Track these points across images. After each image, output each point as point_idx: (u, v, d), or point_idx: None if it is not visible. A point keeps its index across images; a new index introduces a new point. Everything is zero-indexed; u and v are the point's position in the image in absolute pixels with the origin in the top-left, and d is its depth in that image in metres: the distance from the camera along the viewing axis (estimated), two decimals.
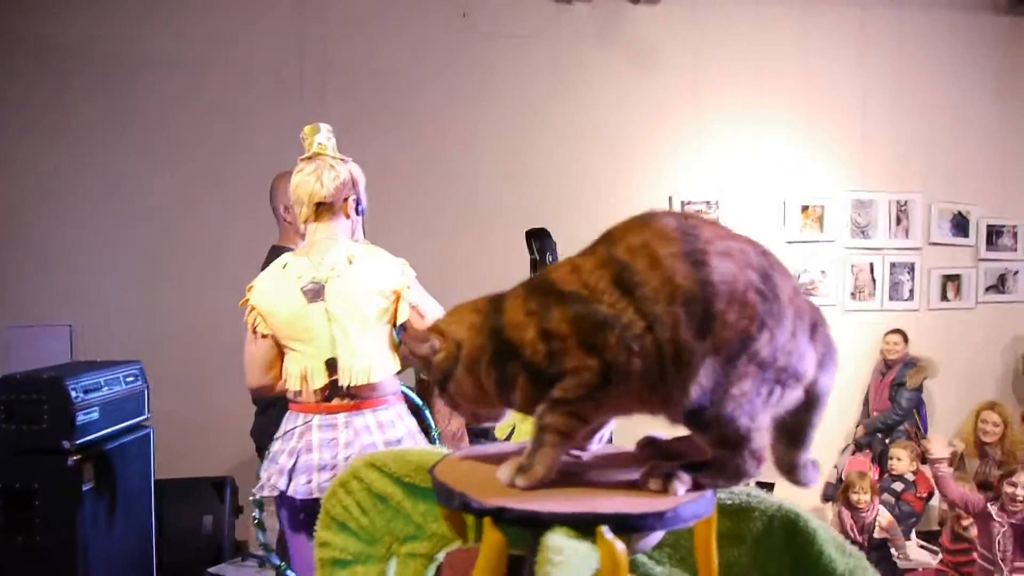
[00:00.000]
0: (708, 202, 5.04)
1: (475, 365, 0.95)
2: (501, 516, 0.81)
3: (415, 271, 2.22)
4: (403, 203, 4.60)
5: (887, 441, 4.72)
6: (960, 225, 5.36)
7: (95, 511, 2.83)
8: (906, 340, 4.94)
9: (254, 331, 2.12)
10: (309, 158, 2.14)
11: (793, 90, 5.12)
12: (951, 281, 5.35)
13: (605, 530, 0.77)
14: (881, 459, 4.61)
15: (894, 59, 5.23)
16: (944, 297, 5.33)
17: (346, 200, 2.15)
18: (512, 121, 4.77)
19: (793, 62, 5.12)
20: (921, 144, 5.28)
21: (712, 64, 5.01)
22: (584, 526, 0.77)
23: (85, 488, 2.77)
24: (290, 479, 2.03)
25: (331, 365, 2.04)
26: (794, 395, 0.86)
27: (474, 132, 4.76)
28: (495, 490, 0.86)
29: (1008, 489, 3.46)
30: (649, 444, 1.01)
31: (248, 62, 4.51)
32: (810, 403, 0.89)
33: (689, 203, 5.01)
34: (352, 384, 2.03)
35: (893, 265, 5.27)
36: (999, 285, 5.40)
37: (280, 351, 2.13)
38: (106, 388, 2.96)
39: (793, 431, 0.92)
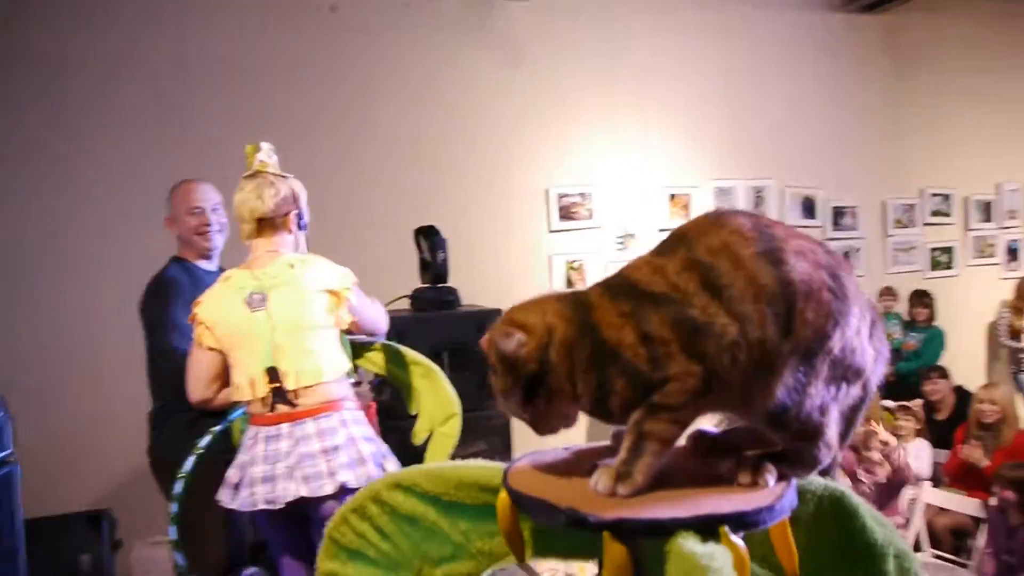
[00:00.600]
0: (583, 193, 5.14)
1: (570, 353, 0.89)
2: (621, 528, 0.78)
3: None
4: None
5: None
6: (809, 208, 5.76)
7: None
8: None
9: (200, 344, 2.15)
10: (251, 176, 2.22)
11: (659, 83, 5.31)
12: None
13: (727, 530, 0.76)
14: None
15: (749, 54, 5.55)
16: None
17: (287, 215, 2.22)
18: (385, 117, 4.67)
19: (658, 56, 5.31)
20: (773, 133, 5.63)
21: (582, 58, 5.11)
22: (707, 528, 0.76)
23: None
24: (237, 492, 2.03)
25: (272, 373, 2.06)
26: (856, 390, 0.88)
27: (345, 128, 4.61)
28: (599, 502, 0.83)
29: (866, 452, 3.77)
30: (701, 438, 0.99)
31: (101, 54, 4.14)
32: (863, 397, 0.90)
33: (565, 195, 5.09)
34: (300, 386, 2.05)
35: None
36: None
37: (224, 364, 2.15)
38: None
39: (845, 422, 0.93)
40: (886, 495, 3.78)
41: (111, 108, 4.15)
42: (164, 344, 2.49)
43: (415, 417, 2.42)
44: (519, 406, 0.91)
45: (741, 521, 0.77)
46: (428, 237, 3.78)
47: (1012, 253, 6.44)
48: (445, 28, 4.83)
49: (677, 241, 0.92)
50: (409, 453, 2.39)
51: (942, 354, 5.48)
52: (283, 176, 2.24)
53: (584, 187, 5.15)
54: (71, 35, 4.09)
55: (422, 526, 0.98)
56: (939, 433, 4.51)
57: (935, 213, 6.16)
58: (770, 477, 0.86)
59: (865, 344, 0.87)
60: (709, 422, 0.95)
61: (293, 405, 2.04)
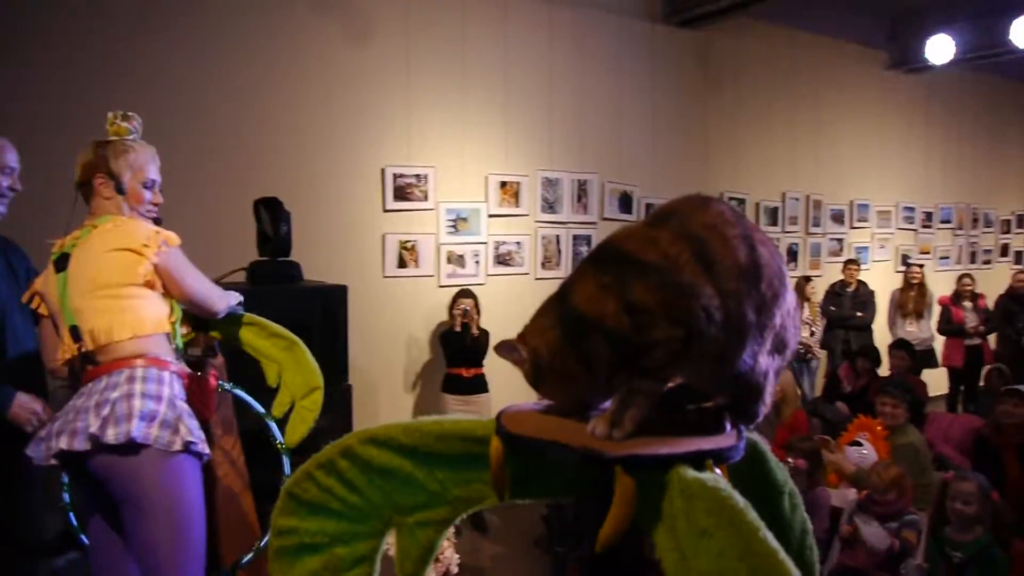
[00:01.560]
0: (418, 175, 5.21)
1: (555, 361, 0.98)
2: (632, 462, 0.89)
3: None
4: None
5: None
6: (626, 203, 6.19)
7: None
8: None
9: (42, 314, 2.21)
10: None
11: (492, 74, 5.47)
12: None
13: (711, 463, 0.90)
14: None
15: (575, 54, 5.84)
16: None
17: (97, 180, 2.19)
18: (226, 87, 4.48)
19: (492, 47, 5.47)
20: (596, 131, 5.98)
21: (422, 41, 5.16)
22: (697, 462, 0.90)
23: None
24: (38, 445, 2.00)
25: (74, 332, 2.07)
26: (781, 360, 1.04)
27: (184, 97, 4.36)
28: (602, 443, 0.93)
29: None
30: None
31: None
32: (782, 365, 1.07)
33: (401, 176, 5.14)
34: (96, 345, 2.04)
35: (575, 237, 5.93)
36: None
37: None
38: None
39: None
40: None
41: None
42: None
43: (274, 390, 2.41)
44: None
45: (719, 456, 0.93)
46: (270, 209, 3.70)
47: (792, 255, 7.28)
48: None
49: (667, 216, 0.99)
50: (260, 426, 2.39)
51: None
52: (99, 142, 2.22)
53: (420, 168, 5.22)
54: None
55: (396, 477, 1.04)
56: None
57: None
58: (728, 425, 1.01)
59: (791, 324, 1.03)
60: None
61: (95, 363, 2.04)
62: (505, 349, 1.00)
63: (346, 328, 3.71)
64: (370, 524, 1.06)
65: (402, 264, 5.16)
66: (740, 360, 0.97)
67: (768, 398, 1.02)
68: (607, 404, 1.00)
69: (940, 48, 6.31)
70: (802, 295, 6.59)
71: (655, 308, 0.93)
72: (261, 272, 3.66)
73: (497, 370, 5.12)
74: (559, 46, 5.75)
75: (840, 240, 7.74)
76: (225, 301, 2.31)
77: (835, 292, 6.91)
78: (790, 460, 3.49)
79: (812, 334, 6.65)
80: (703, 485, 0.83)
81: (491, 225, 5.52)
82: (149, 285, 2.11)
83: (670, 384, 1.05)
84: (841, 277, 7.00)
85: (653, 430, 0.96)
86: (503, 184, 5.58)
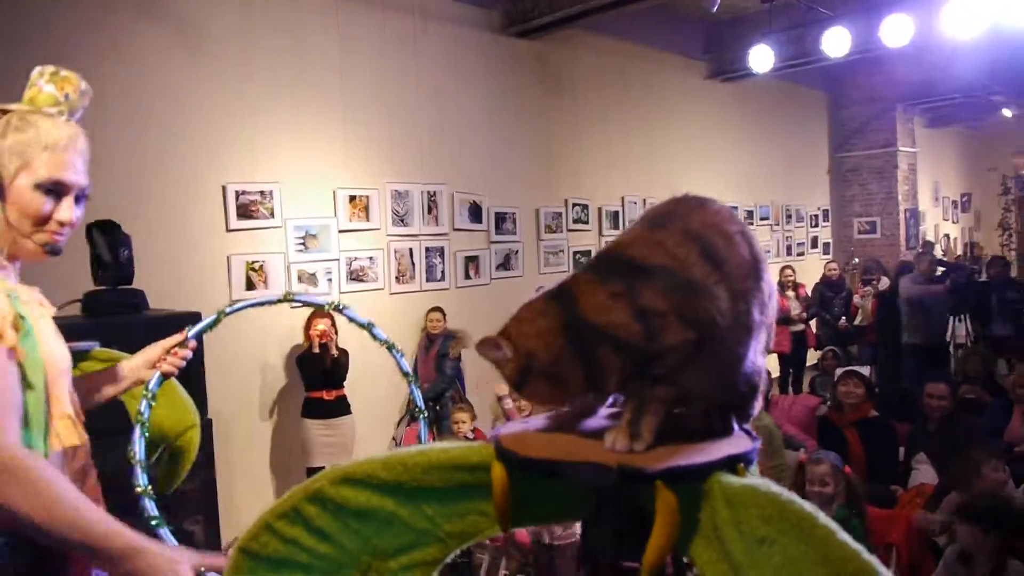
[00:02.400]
0: (263, 192, 4.96)
1: (554, 367, 0.92)
2: (674, 475, 0.84)
3: None
4: None
5: (438, 408, 5.27)
6: (476, 212, 6.19)
7: None
8: (444, 316, 5.56)
9: None
10: None
11: (330, 85, 5.30)
12: (471, 262, 6.16)
13: (743, 467, 0.88)
14: (438, 425, 5.13)
15: (412, 64, 5.77)
16: (467, 276, 6.12)
17: None
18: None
19: (329, 58, 5.30)
20: (440, 142, 5.95)
21: (262, 53, 4.93)
22: (732, 467, 0.87)
23: None
24: None
25: None
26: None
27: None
28: (625, 458, 0.88)
29: None
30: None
31: None
32: None
33: (244, 192, 4.86)
34: None
35: (428, 249, 5.86)
36: (506, 263, 6.39)
37: None
38: None
39: None
40: None
41: None
42: None
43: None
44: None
45: (747, 459, 0.90)
46: (106, 233, 3.38)
47: None
48: (109, 4, 4.33)
49: (666, 218, 0.96)
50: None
51: None
52: None
53: (264, 185, 4.97)
54: None
55: (375, 519, 0.95)
56: None
57: (576, 220, 7.01)
58: (736, 427, 0.99)
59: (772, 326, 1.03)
60: None
61: None
62: (487, 347, 0.94)
63: (202, 358, 3.45)
64: (345, 575, 0.95)
65: (250, 286, 4.88)
66: (746, 360, 0.96)
67: (758, 399, 1.01)
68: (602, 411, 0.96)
69: (760, 58, 6.78)
70: None
71: (667, 311, 0.90)
72: (99, 303, 3.34)
73: (359, 390, 4.95)
74: (396, 56, 5.66)
75: None
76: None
77: None
78: None
79: None
80: (755, 491, 0.79)
81: (342, 241, 5.34)
82: None
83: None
84: None
85: (662, 438, 0.92)
86: (352, 198, 5.42)
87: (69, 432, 1.34)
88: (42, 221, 1.31)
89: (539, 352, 0.92)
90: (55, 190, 1.31)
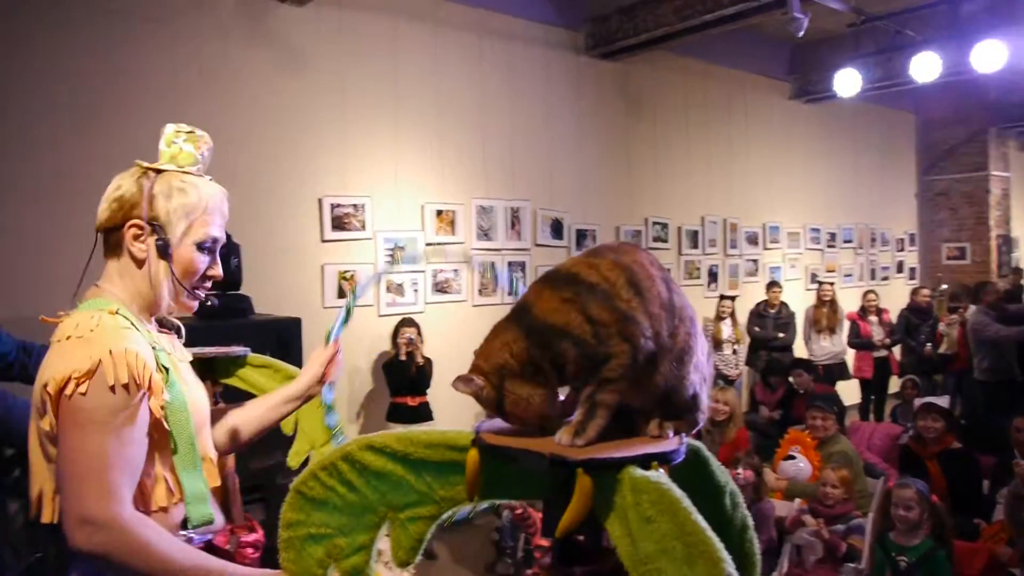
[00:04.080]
0: (355, 205, 5.20)
1: (526, 367, 1.11)
2: (590, 465, 1.04)
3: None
4: (16, 205, 3.95)
5: None
6: (557, 229, 6.33)
7: None
8: None
9: None
10: None
11: (424, 105, 5.53)
12: None
13: (656, 464, 1.07)
14: None
15: (505, 84, 5.97)
16: None
17: (130, 228, 1.39)
18: (153, 113, 4.37)
19: (425, 78, 5.54)
20: (527, 160, 6.12)
21: (356, 71, 5.19)
22: (645, 463, 1.06)
23: None
24: None
25: None
26: (706, 386, 1.22)
27: (107, 123, 4.24)
28: (566, 448, 1.09)
29: None
30: None
31: None
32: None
33: (338, 205, 5.12)
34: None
35: (510, 263, 6.02)
36: None
37: None
38: None
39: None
40: None
41: None
42: None
43: (290, 439, 2.29)
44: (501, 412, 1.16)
45: (664, 458, 1.09)
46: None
47: (712, 276, 7.59)
48: (217, 25, 4.65)
49: (603, 251, 1.17)
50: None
51: None
52: (147, 168, 1.43)
53: (357, 198, 5.22)
54: None
55: (389, 479, 1.19)
56: None
57: (656, 239, 7.08)
58: (670, 431, 1.16)
59: (706, 362, 1.21)
60: None
61: None
62: (462, 382, 1.13)
63: (300, 361, 3.67)
64: (367, 519, 1.20)
65: (342, 294, 5.12)
66: (668, 379, 1.14)
67: (702, 413, 1.19)
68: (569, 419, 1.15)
69: (846, 81, 6.75)
70: (720, 315, 6.90)
71: (610, 324, 1.08)
72: (211, 306, 3.58)
73: (441, 398, 5.13)
74: (490, 77, 5.87)
75: (756, 261, 8.12)
76: (107, 506, 1.26)
77: (759, 313, 7.22)
78: (739, 472, 3.65)
79: (735, 352, 6.93)
80: (648, 481, 0.99)
81: (428, 253, 5.55)
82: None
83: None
84: (763, 298, 7.33)
85: (608, 438, 1.12)
86: (439, 212, 5.63)
87: (212, 475, 1.48)
88: (198, 275, 1.45)
89: (508, 361, 1.11)
90: (211, 248, 1.46)
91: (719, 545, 0.92)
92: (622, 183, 6.82)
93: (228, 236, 3.61)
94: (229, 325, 3.52)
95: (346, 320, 1.84)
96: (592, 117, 6.57)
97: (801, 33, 5.02)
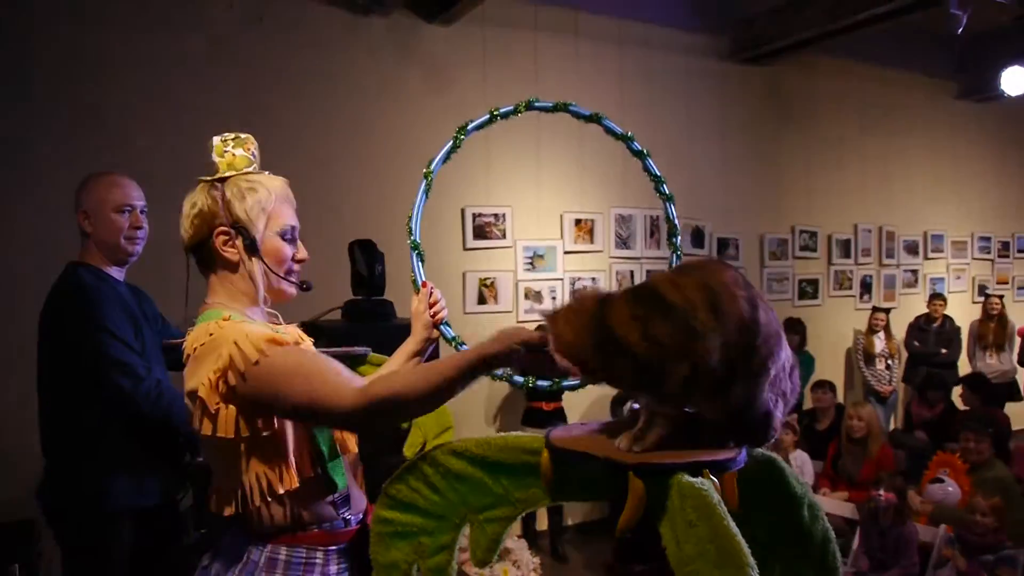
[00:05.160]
0: (496, 214, 5.38)
1: (581, 355, 1.19)
2: (641, 469, 1.11)
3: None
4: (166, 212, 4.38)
5: None
6: (698, 237, 6.25)
7: None
8: None
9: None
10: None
11: (566, 116, 5.61)
12: None
13: (708, 472, 1.12)
14: None
15: (646, 93, 5.97)
16: None
17: (218, 237, 1.47)
18: (309, 131, 4.72)
19: (565, 90, 5.62)
20: (667, 168, 5.98)
21: (499, 85, 5.36)
22: (696, 470, 1.11)
23: None
24: None
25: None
26: (783, 406, 1.23)
27: (270, 141, 4.60)
28: (623, 453, 1.16)
29: None
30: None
31: (20, 57, 4.00)
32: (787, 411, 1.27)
33: (480, 215, 5.31)
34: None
35: (648, 272, 6.01)
36: None
37: None
38: None
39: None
40: None
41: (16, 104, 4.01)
42: (118, 357, 2.21)
43: (405, 431, 2.42)
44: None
45: (715, 466, 1.13)
46: (365, 250, 3.88)
47: (865, 286, 7.22)
48: (369, 49, 4.96)
49: (694, 268, 1.21)
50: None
51: (811, 378, 6.06)
52: (211, 180, 1.52)
53: (498, 208, 5.39)
54: None
55: (469, 482, 1.27)
56: (817, 443, 5.03)
57: (804, 248, 6.83)
58: (730, 442, 1.20)
59: (787, 377, 1.23)
60: None
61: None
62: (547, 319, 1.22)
63: None
64: (449, 520, 1.29)
65: (482, 300, 5.31)
66: (739, 396, 1.16)
67: (774, 429, 1.21)
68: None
69: (1015, 79, 6.25)
70: (873, 327, 6.55)
71: (669, 346, 1.13)
72: (356, 311, 3.83)
73: (576, 404, 5.21)
74: (629, 86, 5.89)
75: (915, 271, 7.65)
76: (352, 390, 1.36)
77: (919, 327, 6.80)
78: (880, 494, 3.49)
79: (888, 367, 6.57)
80: (692, 487, 1.05)
81: (567, 261, 5.64)
82: (242, 435, 1.38)
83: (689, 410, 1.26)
84: (923, 310, 6.90)
85: (673, 446, 1.18)
86: (578, 221, 5.71)
87: (351, 441, 1.58)
88: (288, 263, 1.54)
89: (569, 339, 1.18)
90: (291, 235, 1.54)
91: (747, 551, 0.97)
92: (768, 191, 6.63)
93: (373, 244, 3.89)
94: (372, 328, 3.74)
95: (421, 259, 1.97)
96: (737, 124, 6.44)
97: (960, 30, 4.72)
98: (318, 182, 4.69)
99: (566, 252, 5.63)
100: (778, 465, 1.26)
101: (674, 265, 2.16)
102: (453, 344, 1.88)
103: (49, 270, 2.43)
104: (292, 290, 1.57)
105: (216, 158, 1.53)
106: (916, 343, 6.73)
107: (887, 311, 6.75)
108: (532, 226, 5.52)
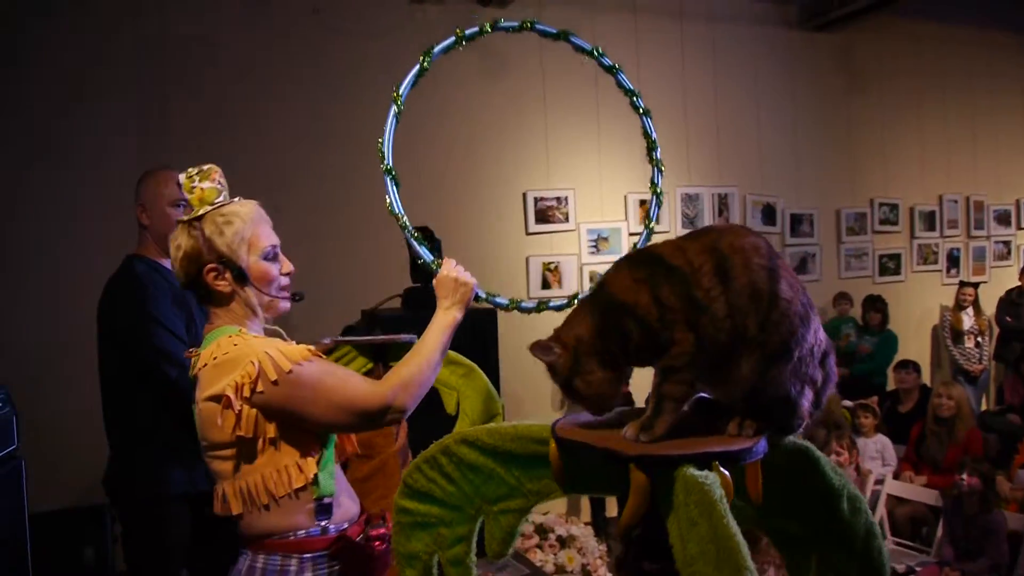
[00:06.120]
0: (558, 198, 5.30)
1: (596, 342, 1.11)
2: (643, 460, 1.04)
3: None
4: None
5: None
6: (769, 215, 6.03)
7: None
8: None
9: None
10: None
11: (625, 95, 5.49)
12: None
13: (718, 463, 1.02)
14: None
15: (709, 68, 5.79)
16: None
17: (208, 273, 1.54)
18: (367, 120, 4.71)
19: (625, 68, 5.48)
20: (734, 143, 5.89)
21: (557, 68, 5.26)
22: (704, 462, 1.02)
23: None
24: None
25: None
26: (810, 393, 1.12)
27: (328, 130, 4.67)
28: (627, 445, 1.08)
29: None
30: (701, 402, 1.23)
31: (87, 58, 4.13)
32: (816, 401, 1.15)
33: (542, 199, 5.24)
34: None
35: None
36: (801, 267, 6.14)
37: None
38: None
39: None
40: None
41: (87, 106, 4.14)
42: (166, 347, 2.24)
43: (453, 418, 2.40)
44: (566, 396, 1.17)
45: (727, 457, 1.04)
46: (424, 238, 3.87)
47: (952, 260, 6.85)
48: (429, 35, 4.93)
49: (705, 232, 1.14)
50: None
51: (894, 358, 5.79)
52: (189, 221, 1.56)
53: (560, 191, 5.31)
54: (40, 20, 4.08)
55: (482, 472, 1.24)
56: (900, 425, 4.80)
57: (883, 222, 6.52)
58: (749, 430, 1.09)
59: (816, 363, 1.11)
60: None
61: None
62: (540, 349, 1.13)
63: (496, 350, 3.81)
64: (465, 511, 1.26)
65: (545, 285, 5.25)
66: (748, 375, 1.06)
67: (799, 419, 1.11)
68: None
69: None
70: (960, 303, 6.21)
71: (677, 309, 1.06)
72: (414, 298, 3.83)
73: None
74: (692, 60, 5.72)
75: (1007, 243, 7.22)
76: (388, 394, 1.54)
77: (1012, 301, 6.40)
78: (963, 478, 3.29)
79: (978, 345, 6.22)
80: (696, 482, 0.97)
81: (632, 243, 5.52)
82: (257, 435, 1.48)
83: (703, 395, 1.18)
84: (1017, 283, 6.49)
85: (688, 434, 1.09)
86: (642, 202, 5.57)
87: (351, 443, 1.72)
88: (276, 280, 1.62)
89: (583, 335, 1.10)
90: (273, 253, 1.61)
91: (745, 552, 0.91)
92: (843, 163, 6.35)
93: (430, 231, 3.87)
94: (429, 315, 3.71)
95: (396, 184, 2.03)
96: (807, 94, 6.18)
97: None
98: (375, 169, 4.68)
99: (631, 234, 5.51)
100: (812, 455, 1.16)
101: (653, 180, 2.17)
102: (486, 299, 1.99)
103: (116, 263, 2.51)
104: (286, 304, 1.66)
105: (187, 196, 1.57)
106: (1008, 318, 6.34)
107: (976, 285, 6.39)
108: (595, 208, 5.42)
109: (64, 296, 3.92)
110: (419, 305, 3.80)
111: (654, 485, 1.02)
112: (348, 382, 1.52)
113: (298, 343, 1.78)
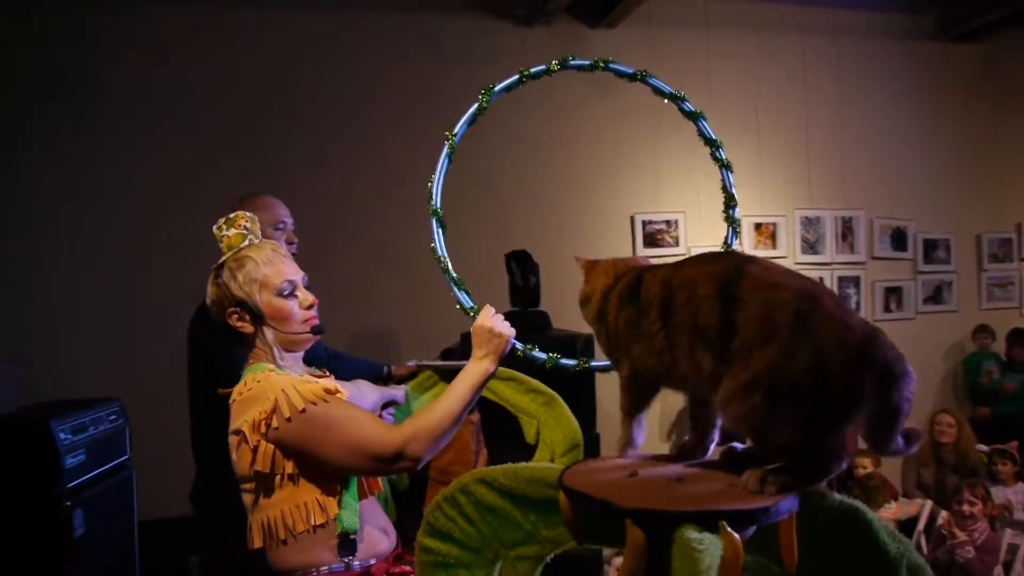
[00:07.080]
0: (668, 221, 5.16)
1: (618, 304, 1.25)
2: (640, 516, 0.96)
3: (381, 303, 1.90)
4: (369, 228, 4.57)
5: None
6: (899, 239, 5.64)
7: (84, 560, 2.67)
8: None
9: None
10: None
11: (743, 114, 5.30)
12: (893, 293, 5.62)
13: (725, 524, 0.92)
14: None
15: (833, 84, 5.50)
16: (887, 308, 5.59)
17: (232, 318, 1.62)
18: (478, 144, 4.75)
19: (742, 87, 5.31)
20: (861, 163, 5.55)
21: (669, 84, 5.13)
22: (708, 521, 0.92)
23: (76, 535, 2.61)
24: None
25: None
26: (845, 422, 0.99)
27: (435, 156, 4.71)
28: (627, 495, 1.02)
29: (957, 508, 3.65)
30: (728, 452, 1.15)
31: (210, 86, 4.39)
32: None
33: (651, 222, 5.11)
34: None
35: (840, 279, 5.51)
36: (936, 296, 5.70)
37: None
38: (92, 428, 2.82)
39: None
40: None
41: (157, 124, 4.36)
42: None
43: (532, 447, 2.30)
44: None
45: (738, 517, 0.93)
46: (520, 262, 3.85)
47: None
48: (536, 58, 4.93)
49: (680, 262, 1.17)
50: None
51: None
52: (214, 269, 1.65)
53: (670, 215, 5.17)
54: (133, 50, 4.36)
55: (499, 515, 1.20)
56: None
57: None
58: (772, 487, 0.98)
59: (832, 398, 0.97)
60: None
61: None
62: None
63: (593, 376, 3.72)
64: (484, 554, 1.23)
65: None
66: (737, 414, 1.00)
67: (816, 463, 1.00)
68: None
69: None
70: None
71: (623, 334, 1.21)
72: (512, 322, 3.79)
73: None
74: (815, 77, 5.46)
75: None
76: (400, 442, 1.49)
77: None
78: None
79: None
80: (689, 546, 0.87)
81: None
82: (275, 471, 1.51)
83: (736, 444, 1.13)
84: None
85: (706, 486, 1.05)
86: (758, 226, 5.35)
87: (379, 482, 1.71)
88: (295, 315, 1.62)
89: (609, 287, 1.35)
90: (290, 289, 1.62)
91: None
92: (986, 185, 5.86)
93: (528, 255, 3.84)
94: (528, 340, 3.67)
95: (442, 228, 2.08)
96: (945, 109, 5.75)
97: None
98: (479, 193, 4.73)
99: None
100: (863, 517, 1.03)
101: (729, 238, 2.24)
102: (522, 353, 1.99)
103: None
104: (308, 338, 1.66)
105: (221, 246, 1.65)
106: None
107: None
108: (707, 232, 5.23)
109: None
110: (516, 329, 3.76)
111: (652, 543, 0.94)
112: (362, 425, 1.50)
113: (391, 368, 2.11)
